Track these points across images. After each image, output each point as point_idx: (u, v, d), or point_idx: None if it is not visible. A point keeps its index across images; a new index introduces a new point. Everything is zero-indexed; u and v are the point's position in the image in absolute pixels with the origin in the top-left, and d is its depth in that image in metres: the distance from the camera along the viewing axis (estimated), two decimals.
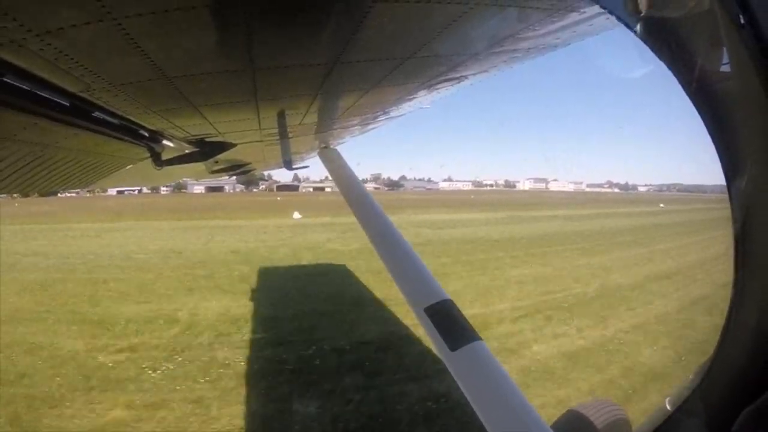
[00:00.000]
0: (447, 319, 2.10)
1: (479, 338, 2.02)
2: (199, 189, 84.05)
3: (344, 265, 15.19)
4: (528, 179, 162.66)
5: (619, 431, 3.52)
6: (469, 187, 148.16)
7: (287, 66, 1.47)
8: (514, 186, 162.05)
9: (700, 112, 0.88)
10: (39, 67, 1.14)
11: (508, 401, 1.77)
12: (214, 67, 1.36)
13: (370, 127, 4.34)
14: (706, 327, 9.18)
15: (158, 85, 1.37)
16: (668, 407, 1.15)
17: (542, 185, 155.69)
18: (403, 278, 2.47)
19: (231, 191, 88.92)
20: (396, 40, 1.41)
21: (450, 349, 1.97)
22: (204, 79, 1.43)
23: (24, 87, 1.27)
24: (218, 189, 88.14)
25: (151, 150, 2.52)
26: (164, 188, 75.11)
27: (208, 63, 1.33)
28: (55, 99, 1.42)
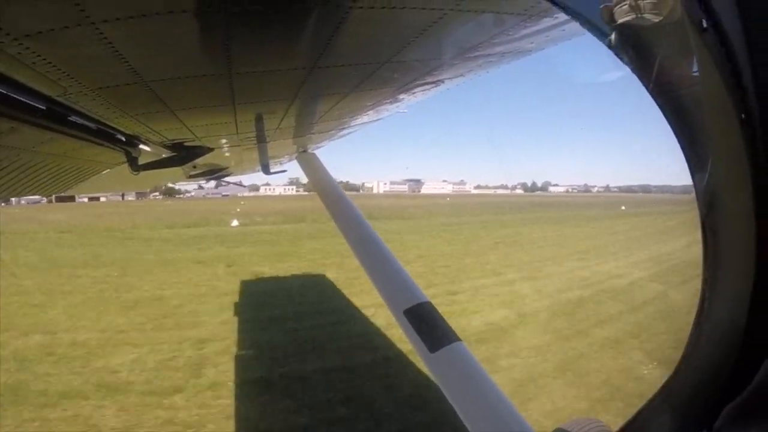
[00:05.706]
0: (426, 321, 2.12)
1: (458, 339, 2.04)
2: None
3: None
4: (385, 182, 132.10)
5: None
6: (292, 191, 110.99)
7: (265, 70, 1.49)
8: (358, 189, 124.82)
9: (666, 116, 0.92)
10: (16, 70, 1.13)
11: (488, 401, 1.80)
12: (191, 71, 1.36)
13: (349, 131, 4.36)
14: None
15: (136, 89, 1.37)
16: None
17: (404, 188, 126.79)
18: (382, 281, 2.48)
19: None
20: (373, 45, 1.44)
21: (430, 351, 1.98)
22: (181, 84, 1.43)
23: (1, 90, 1.26)
24: None
25: (128, 154, 2.49)
26: None
27: (185, 67, 1.34)
28: (32, 103, 1.40)
